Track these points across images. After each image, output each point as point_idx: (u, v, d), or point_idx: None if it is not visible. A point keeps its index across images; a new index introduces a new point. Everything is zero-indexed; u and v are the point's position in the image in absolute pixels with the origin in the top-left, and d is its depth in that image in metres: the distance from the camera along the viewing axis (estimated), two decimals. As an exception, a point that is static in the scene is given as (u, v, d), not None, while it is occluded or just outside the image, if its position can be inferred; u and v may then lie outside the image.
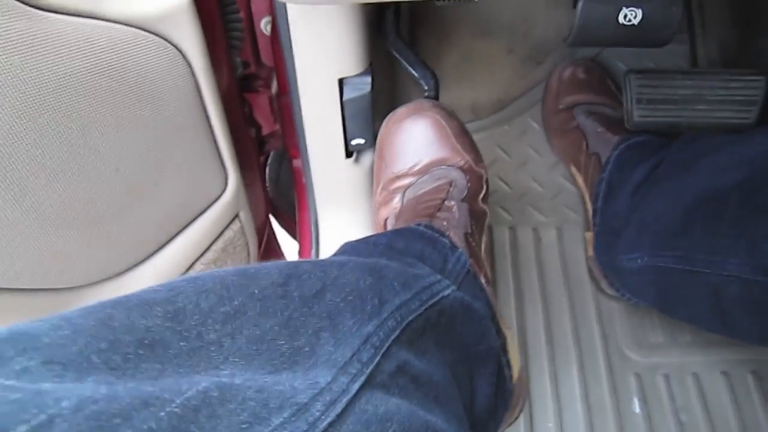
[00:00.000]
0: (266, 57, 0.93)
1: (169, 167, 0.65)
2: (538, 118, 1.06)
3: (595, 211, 0.92)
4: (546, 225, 1.01)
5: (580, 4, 0.57)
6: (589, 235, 0.95)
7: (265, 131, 1.01)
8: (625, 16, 0.57)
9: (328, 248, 0.96)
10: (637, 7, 0.56)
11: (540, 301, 0.95)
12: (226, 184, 0.75)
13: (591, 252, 0.94)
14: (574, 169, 1.00)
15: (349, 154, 0.82)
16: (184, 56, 0.60)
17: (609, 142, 0.91)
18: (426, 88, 0.75)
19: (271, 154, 1.10)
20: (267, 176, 1.13)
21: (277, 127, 0.97)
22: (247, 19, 1.00)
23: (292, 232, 1.21)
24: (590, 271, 0.97)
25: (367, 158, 0.86)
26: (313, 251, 0.96)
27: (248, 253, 0.86)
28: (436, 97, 0.75)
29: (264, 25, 0.90)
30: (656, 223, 0.75)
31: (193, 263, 0.75)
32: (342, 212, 0.92)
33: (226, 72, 0.74)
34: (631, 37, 0.58)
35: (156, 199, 0.65)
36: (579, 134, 0.97)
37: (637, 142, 0.89)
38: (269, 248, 1.16)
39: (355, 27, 0.67)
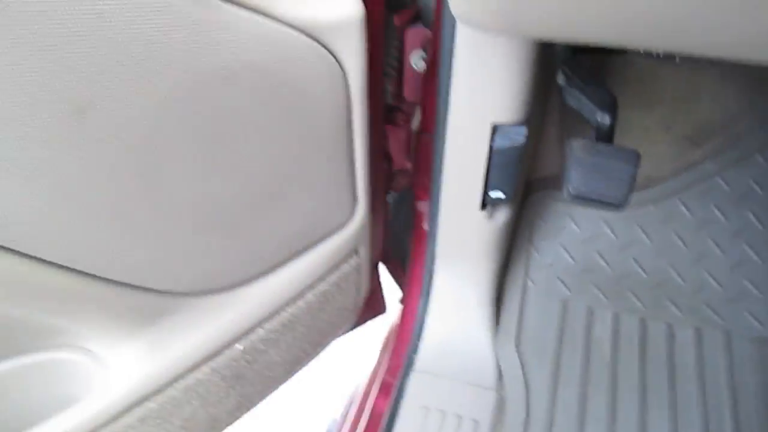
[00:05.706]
0: (409, 93, 0.89)
1: (302, 182, 0.61)
2: (689, 203, 0.96)
3: None
4: (682, 322, 0.90)
5: None
6: None
7: (395, 167, 0.97)
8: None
9: (438, 304, 0.89)
10: None
11: (667, 407, 0.83)
12: (353, 214, 0.70)
13: None
14: None
15: (483, 206, 0.76)
16: (343, 71, 0.56)
17: None
18: (598, 120, 0.61)
19: (390, 194, 1.06)
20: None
21: (408, 165, 0.92)
22: (399, 50, 0.97)
23: (398, 279, 1.15)
24: None
25: (501, 215, 0.79)
26: (421, 303, 0.89)
27: (357, 292, 0.80)
28: (611, 132, 0.63)
29: (415, 60, 0.86)
30: None
31: (304, 291, 0.70)
32: (462, 268, 0.85)
33: (377, 96, 0.70)
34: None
35: (280, 214, 0.61)
36: None
37: None
38: (373, 292, 1.10)
39: (525, 68, 0.61)
